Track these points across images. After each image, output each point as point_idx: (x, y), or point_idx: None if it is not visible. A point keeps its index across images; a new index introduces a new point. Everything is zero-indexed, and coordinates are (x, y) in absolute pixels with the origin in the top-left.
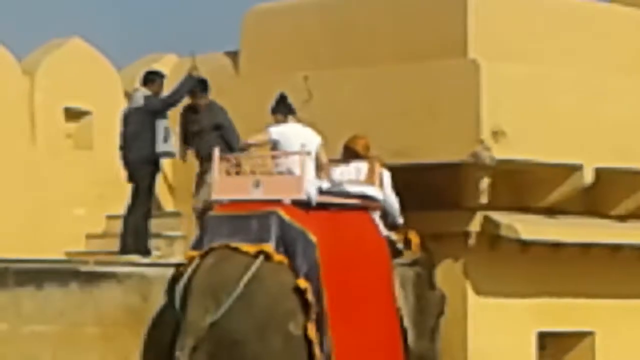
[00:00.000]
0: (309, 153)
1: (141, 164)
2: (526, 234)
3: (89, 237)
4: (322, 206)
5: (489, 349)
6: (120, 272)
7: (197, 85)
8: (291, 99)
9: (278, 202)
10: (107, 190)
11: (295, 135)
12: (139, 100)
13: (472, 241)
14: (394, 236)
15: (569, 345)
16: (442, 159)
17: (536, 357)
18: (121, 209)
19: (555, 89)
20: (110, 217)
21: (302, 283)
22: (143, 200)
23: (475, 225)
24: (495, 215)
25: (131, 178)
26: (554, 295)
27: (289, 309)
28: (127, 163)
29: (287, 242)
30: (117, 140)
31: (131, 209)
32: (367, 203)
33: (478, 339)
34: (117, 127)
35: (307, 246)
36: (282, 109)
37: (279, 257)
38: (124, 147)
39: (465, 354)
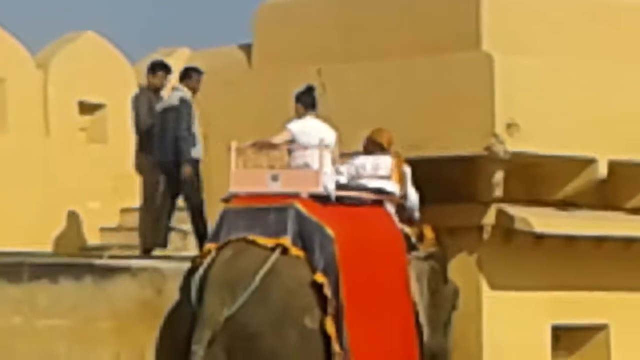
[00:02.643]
0: (327, 146)
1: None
2: (540, 227)
3: (104, 230)
4: (339, 200)
5: (504, 342)
6: (134, 266)
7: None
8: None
9: (296, 196)
10: (122, 183)
11: (314, 130)
12: (174, 101)
13: (486, 234)
14: (407, 230)
15: (584, 338)
16: (455, 152)
17: (550, 351)
18: (135, 202)
19: (569, 81)
20: (124, 210)
21: (320, 278)
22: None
23: (489, 219)
24: (510, 209)
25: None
26: (568, 289)
27: (305, 303)
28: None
29: (305, 236)
30: (131, 133)
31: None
32: (385, 198)
33: (492, 332)
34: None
35: (325, 240)
36: (306, 99)
37: (296, 251)
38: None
39: (479, 348)
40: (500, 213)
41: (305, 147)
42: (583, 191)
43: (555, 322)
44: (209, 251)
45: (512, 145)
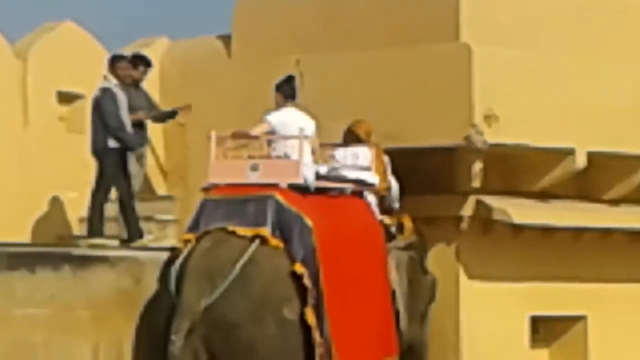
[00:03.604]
0: (306, 137)
1: None
2: (518, 218)
3: (82, 220)
4: (318, 191)
5: (481, 333)
6: (112, 256)
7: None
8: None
9: (275, 186)
10: None
11: (293, 121)
12: (96, 91)
13: (464, 225)
14: (387, 220)
15: (561, 329)
16: (434, 143)
17: (529, 341)
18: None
19: (548, 73)
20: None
21: (299, 268)
22: None
23: (467, 210)
24: (488, 199)
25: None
26: (546, 280)
27: (283, 293)
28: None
29: (284, 227)
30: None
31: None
32: (364, 188)
33: (470, 323)
34: None
35: (304, 231)
36: (286, 89)
37: (275, 241)
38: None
39: (457, 338)
40: (479, 204)
41: (285, 138)
42: (561, 182)
43: (534, 312)
44: (188, 241)
45: (491, 136)
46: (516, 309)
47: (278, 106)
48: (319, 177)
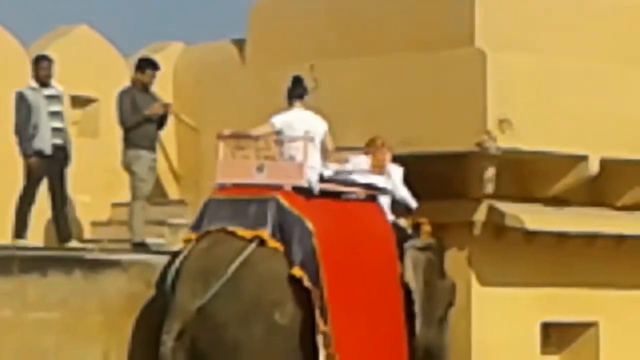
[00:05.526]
0: (312, 139)
1: None
2: (531, 224)
3: (95, 224)
4: (327, 194)
5: (493, 339)
6: (124, 260)
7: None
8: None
9: (279, 188)
10: (113, 177)
11: (300, 122)
12: None
13: (477, 231)
14: (403, 222)
15: (573, 335)
16: (448, 148)
17: (540, 348)
18: (127, 196)
19: (562, 79)
20: (115, 205)
21: (297, 271)
22: None
23: (480, 215)
24: (501, 205)
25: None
26: (558, 286)
27: (276, 297)
28: None
29: (284, 229)
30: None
31: None
32: (373, 192)
33: (482, 329)
34: None
35: (304, 233)
36: (292, 90)
37: (274, 243)
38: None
39: (469, 344)
40: (491, 209)
41: (290, 140)
42: (574, 188)
43: (545, 319)
44: (190, 241)
45: (504, 141)
46: (528, 315)
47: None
48: (323, 180)
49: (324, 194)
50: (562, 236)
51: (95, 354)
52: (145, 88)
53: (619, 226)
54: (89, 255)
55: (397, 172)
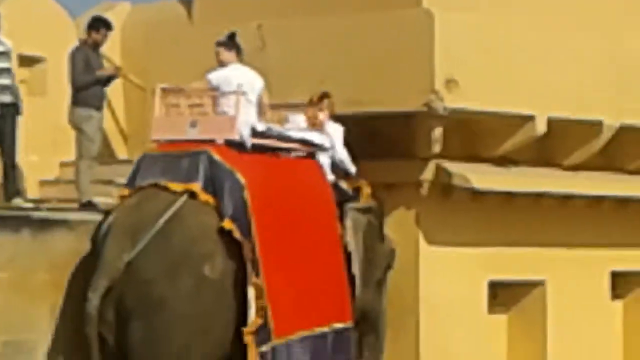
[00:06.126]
0: (244, 93)
1: None
2: (478, 184)
3: (43, 183)
4: (263, 150)
5: (441, 298)
6: (72, 219)
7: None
8: (242, 43)
9: (211, 142)
10: (61, 136)
11: (235, 77)
12: None
13: (424, 190)
14: (344, 184)
15: (520, 294)
16: (395, 108)
17: (487, 306)
18: (74, 155)
19: (509, 39)
20: (64, 164)
21: (228, 224)
22: None
23: (427, 175)
24: (448, 165)
25: None
26: (505, 244)
27: (206, 251)
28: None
29: (215, 182)
30: (70, 87)
31: None
32: (311, 149)
33: (429, 288)
34: None
35: (235, 186)
36: (229, 43)
37: (205, 196)
38: None
39: (416, 303)
40: (439, 169)
41: (224, 95)
42: (521, 148)
43: (493, 277)
44: (124, 197)
45: (451, 101)
46: (475, 274)
47: (221, 64)
48: (257, 134)
49: (260, 149)
50: (509, 195)
51: (43, 312)
52: (96, 47)
53: (565, 186)
54: (36, 215)
55: (337, 131)
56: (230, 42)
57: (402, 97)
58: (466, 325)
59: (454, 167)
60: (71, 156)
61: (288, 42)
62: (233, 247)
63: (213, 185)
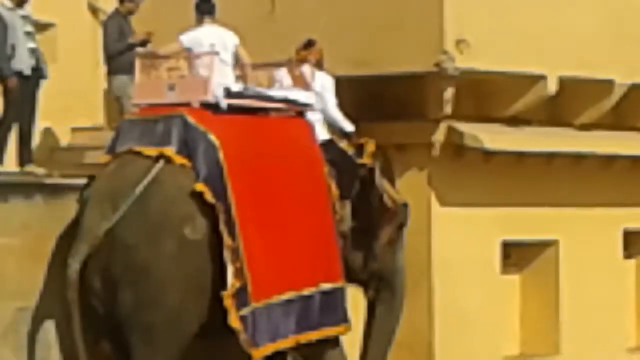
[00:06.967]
0: (217, 53)
1: None
2: (490, 144)
3: (54, 149)
4: (244, 111)
5: (453, 258)
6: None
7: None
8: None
9: (187, 105)
10: (73, 102)
11: (208, 38)
12: None
13: (436, 151)
14: (342, 144)
15: (533, 253)
16: (406, 69)
17: (500, 266)
18: (86, 121)
19: None
20: (75, 129)
21: (200, 186)
22: None
23: (439, 136)
24: (459, 126)
25: None
26: (517, 205)
27: (186, 212)
28: None
29: (190, 145)
30: (82, 53)
31: None
32: (294, 108)
33: (442, 248)
34: (81, 39)
35: (208, 148)
36: (204, 7)
37: (180, 159)
38: None
39: (429, 264)
40: (450, 130)
41: (197, 56)
42: (533, 108)
43: (505, 237)
44: (106, 164)
45: (462, 62)
46: (488, 234)
47: (197, 25)
48: (232, 95)
49: (240, 110)
50: (521, 155)
51: None
52: (127, 15)
53: (577, 145)
54: (49, 180)
55: (327, 83)
56: (204, 3)
57: (413, 58)
58: (479, 286)
59: (465, 127)
60: (83, 122)
61: (297, 4)
62: (210, 209)
63: (187, 148)
